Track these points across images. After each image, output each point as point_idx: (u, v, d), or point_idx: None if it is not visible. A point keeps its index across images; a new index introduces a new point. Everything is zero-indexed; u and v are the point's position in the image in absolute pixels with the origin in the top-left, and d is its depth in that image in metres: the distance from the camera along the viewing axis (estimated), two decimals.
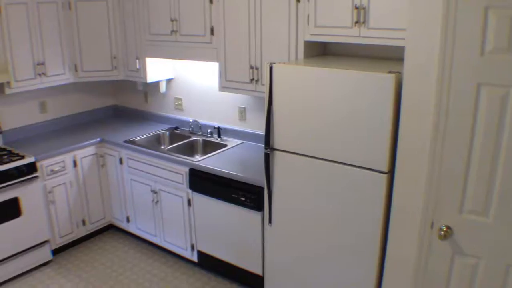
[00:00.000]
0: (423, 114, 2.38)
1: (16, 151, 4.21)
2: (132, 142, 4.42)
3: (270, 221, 3.38)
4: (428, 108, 2.35)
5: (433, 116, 2.34)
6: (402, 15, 2.72)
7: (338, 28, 3.06)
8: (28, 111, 4.73)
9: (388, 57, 3.29)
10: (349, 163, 2.85)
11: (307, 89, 2.92)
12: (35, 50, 4.27)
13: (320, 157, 2.97)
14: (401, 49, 2.52)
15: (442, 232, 2.42)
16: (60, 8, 4.38)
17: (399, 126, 2.50)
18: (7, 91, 4.16)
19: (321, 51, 3.53)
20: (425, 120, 2.38)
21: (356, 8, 2.95)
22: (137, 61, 4.48)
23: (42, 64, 4.34)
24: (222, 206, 3.75)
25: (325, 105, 2.85)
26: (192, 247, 4.12)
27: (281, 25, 3.36)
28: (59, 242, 4.44)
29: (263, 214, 3.48)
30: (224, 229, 3.81)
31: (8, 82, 4.13)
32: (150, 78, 4.55)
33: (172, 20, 4.04)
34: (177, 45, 4.10)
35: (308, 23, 3.20)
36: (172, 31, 4.07)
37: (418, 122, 2.41)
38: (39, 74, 4.34)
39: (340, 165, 2.89)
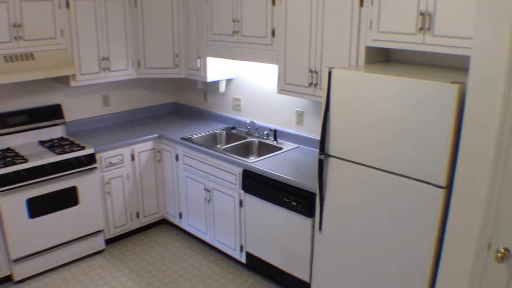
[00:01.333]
0: (486, 127, 2.26)
1: (77, 142, 4.36)
2: (189, 139, 4.48)
3: (320, 228, 3.32)
4: (492, 122, 2.22)
5: (497, 131, 2.21)
6: (469, 23, 2.60)
7: (402, 34, 2.96)
8: (91, 104, 4.89)
9: (453, 66, 3.15)
10: (405, 174, 2.75)
11: (365, 96, 2.85)
12: (100, 45, 4.42)
13: (375, 166, 2.89)
14: (466, 59, 2.40)
15: (499, 254, 2.28)
16: (126, 5, 4.50)
17: (460, 139, 2.38)
18: (72, 83, 4.32)
19: (383, 58, 3.44)
20: (488, 134, 2.25)
21: (421, 14, 2.84)
22: (198, 60, 4.53)
23: (107, 59, 4.48)
24: (273, 209, 3.72)
25: (384, 113, 2.77)
26: (241, 248, 4.12)
27: (342, 29, 3.29)
28: (113, 232, 4.56)
29: (314, 220, 3.42)
30: (273, 232, 3.78)
31: (74, 75, 4.29)
32: (210, 77, 4.59)
33: (234, 21, 4.06)
34: (238, 46, 4.11)
35: (370, 28, 3.12)
36: (234, 32, 4.09)
37: (481, 136, 2.29)
38: (103, 69, 4.48)
39: (396, 176, 2.79)
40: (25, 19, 3.88)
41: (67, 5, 4.11)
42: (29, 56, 3.94)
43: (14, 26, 3.83)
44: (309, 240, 3.50)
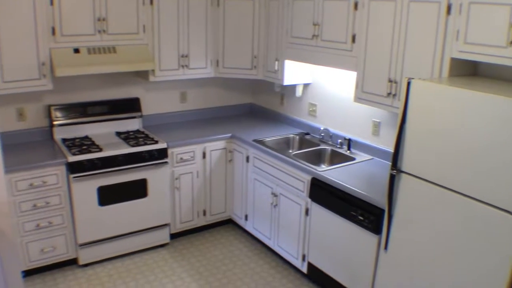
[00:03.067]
0: None
1: (151, 136, 4.45)
2: (261, 142, 4.42)
3: (386, 247, 3.14)
4: None
5: None
6: None
7: (490, 47, 2.70)
8: (169, 100, 4.98)
9: None
10: (486, 201, 2.51)
11: (447, 111, 2.64)
12: (181, 42, 4.47)
13: (452, 188, 2.67)
14: None
15: None
16: (209, 4, 4.53)
17: None
18: (151, 78, 4.41)
19: (470, 71, 3.18)
20: None
21: None
22: (276, 62, 4.47)
23: (186, 56, 4.53)
24: (339, 221, 3.58)
25: (466, 131, 2.55)
26: (303, 258, 4.00)
27: (427, 38, 3.08)
28: (179, 227, 4.61)
29: (380, 238, 3.24)
30: (337, 245, 3.63)
31: (153, 70, 4.38)
32: (287, 80, 4.51)
33: (314, 25, 3.95)
34: (316, 50, 4.00)
35: (457, 39, 2.89)
36: (313, 36, 3.98)
37: None
38: (182, 66, 4.54)
39: (476, 202, 2.56)
40: (110, 14, 4.00)
41: (151, 2, 4.20)
42: (111, 50, 4.06)
43: (99, 19, 3.96)
44: (373, 258, 3.32)
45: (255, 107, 5.55)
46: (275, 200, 4.21)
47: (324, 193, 3.69)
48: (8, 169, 3.54)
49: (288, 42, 4.29)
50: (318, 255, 3.85)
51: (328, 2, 3.81)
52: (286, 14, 4.26)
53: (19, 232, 3.74)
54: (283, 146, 4.63)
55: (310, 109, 4.76)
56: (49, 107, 4.25)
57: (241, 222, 4.77)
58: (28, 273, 3.96)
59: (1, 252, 2.98)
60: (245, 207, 4.66)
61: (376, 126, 4.05)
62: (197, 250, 4.52)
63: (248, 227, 4.68)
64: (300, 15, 4.11)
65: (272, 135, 4.66)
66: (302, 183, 3.89)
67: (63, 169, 3.84)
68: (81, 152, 3.93)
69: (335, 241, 3.65)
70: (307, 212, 3.88)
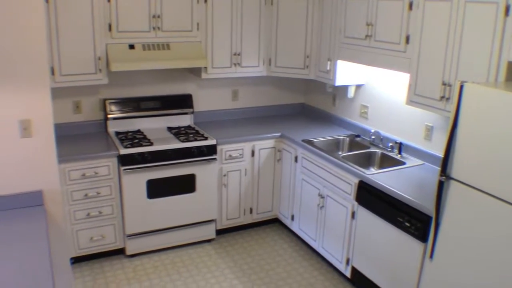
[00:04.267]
0: None
1: (201, 132, 4.51)
2: (310, 142, 4.39)
3: (431, 256, 3.03)
4: None
5: None
6: None
7: None
8: (221, 97, 5.03)
9: None
10: None
11: (501, 117, 2.51)
12: (233, 41, 4.51)
13: (504, 199, 2.54)
14: None
15: None
16: (262, 3, 4.54)
17: None
18: (203, 75, 4.47)
19: None
20: None
21: None
22: (328, 62, 4.41)
23: (239, 54, 4.56)
24: (385, 226, 3.49)
25: None
26: (347, 261, 3.94)
27: (483, 40, 2.95)
28: (225, 224, 4.64)
29: (426, 246, 3.14)
30: (381, 251, 3.55)
31: (205, 68, 4.44)
32: (339, 81, 4.45)
33: (368, 25, 3.87)
34: (369, 51, 3.92)
35: None
36: (366, 36, 3.90)
37: None
38: (234, 64, 4.57)
39: None
40: (164, 11, 4.09)
41: (205, 0, 4.26)
42: (165, 46, 4.15)
43: (154, 17, 4.06)
44: (417, 266, 3.22)
45: (306, 107, 5.51)
46: (321, 201, 4.17)
47: (371, 197, 3.61)
48: (62, 159, 3.69)
49: (341, 42, 4.23)
50: (362, 260, 3.78)
51: (382, 1, 3.73)
52: (340, 13, 4.20)
53: (70, 220, 3.90)
54: (333, 147, 4.57)
55: (362, 110, 4.67)
56: (104, 101, 4.40)
57: (287, 222, 4.76)
58: (77, 260, 4.12)
59: (51, 237, 3.10)
60: (292, 207, 4.64)
61: (429, 130, 3.93)
62: (242, 247, 4.54)
63: (294, 227, 4.66)
64: (353, 14, 4.04)
65: (322, 136, 4.61)
66: (350, 185, 3.83)
67: (114, 161, 3.96)
68: (133, 145, 4.04)
69: (380, 246, 3.57)
70: (353, 215, 3.81)
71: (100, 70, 3.99)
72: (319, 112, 5.30)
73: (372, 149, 4.31)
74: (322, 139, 4.53)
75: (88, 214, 3.96)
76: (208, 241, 4.60)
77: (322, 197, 4.15)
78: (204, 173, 4.33)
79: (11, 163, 2.97)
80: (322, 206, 4.16)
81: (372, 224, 3.61)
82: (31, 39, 2.84)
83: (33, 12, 2.80)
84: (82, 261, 4.16)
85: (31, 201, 3.02)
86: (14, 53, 2.82)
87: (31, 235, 2.67)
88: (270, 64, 4.76)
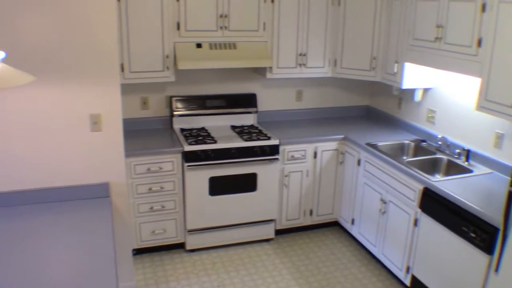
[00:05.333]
0: None
1: (265, 132, 4.54)
2: (374, 146, 4.31)
3: (497, 269, 2.90)
4: None
5: None
6: None
7: None
8: (285, 97, 5.04)
9: None
10: None
11: None
12: (299, 41, 4.51)
13: None
14: None
15: None
16: (329, 3, 4.51)
17: None
18: (268, 75, 4.50)
19: None
20: None
21: None
22: (395, 64, 4.31)
23: (304, 55, 4.55)
24: (448, 236, 3.37)
25: None
26: (407, 269, 3.84)
27: None
28: (284, 224, 4.65)
29: (492, 259, 3.00)
30: (444, 261, 3.43)
31: (270, 68, 4.47)
32: (406, 84, 4.34)
33: (438, 26, 3.75)
34: (438, 53, 3.79)
35: None
36: (436, 38, 3.78)
37: None
38: (300, 64, 4.57)
39: None
40: (232, 11, 4.16)
41: (272, 0, 4.29)
42: (232, 46, 4.21)
43: (221, 16, 4.13)
44: (481, 279, 3.08)
45: (371, 109, 5.41)
46: (383, 206, 4.08)
47: (435, 205, 3.50)
48: (129, 153, 3.84)
49: (409, 44, 4.12)
50: (422, 269, 3.67)
51: (453, 2, 3.60)
52: (409, 15, 4.09)
53: (133, 213, 4.04)
54: (397, 152, 4.47)
55: (429, 115, 4.53)
56: (170, 98, 4.52)
57: (347, 225, 4.70)
58: (138, 252, 4.27)
59: (115, 228, 3.23)
60: (353, 211, 4.58)
61: (499, 138, 3.75)
62: (300, 248, 4.54)
63: (354, 231, 4.60)
64: (423, 16, 3.92)
65: (387, 139, 4.52)
66: (413, 192, 3.73)
67: (179, 157, 4.07)
68: (197, 143, 4.13)
69: (442, 256, 3.45)
70: (415, 222, 3.71)
71: (167, 67, 4.11)
72: (384, 115, 5.19)
73: (438, 155, 4.17)
74: (386, 143, 4.44)
75: (151, 208, 4.09)
76: (267, 240, 4.63)
77: (384, 202, 4.07)
78: (265, 172, 4.36)
79: (82, 156, 3.12)
80: (384, 212, 4.08)
81: (435, 233, 3.50)
82: (102, 37, 2.97)
83: (105, 11, 2.93)
84: (143, 253, 4.31)
85: (98, 193, 3.17)
86: (87, 50, 2.96)
87: (97, 224, 2.80)
88: (335, 65, 4.72)
